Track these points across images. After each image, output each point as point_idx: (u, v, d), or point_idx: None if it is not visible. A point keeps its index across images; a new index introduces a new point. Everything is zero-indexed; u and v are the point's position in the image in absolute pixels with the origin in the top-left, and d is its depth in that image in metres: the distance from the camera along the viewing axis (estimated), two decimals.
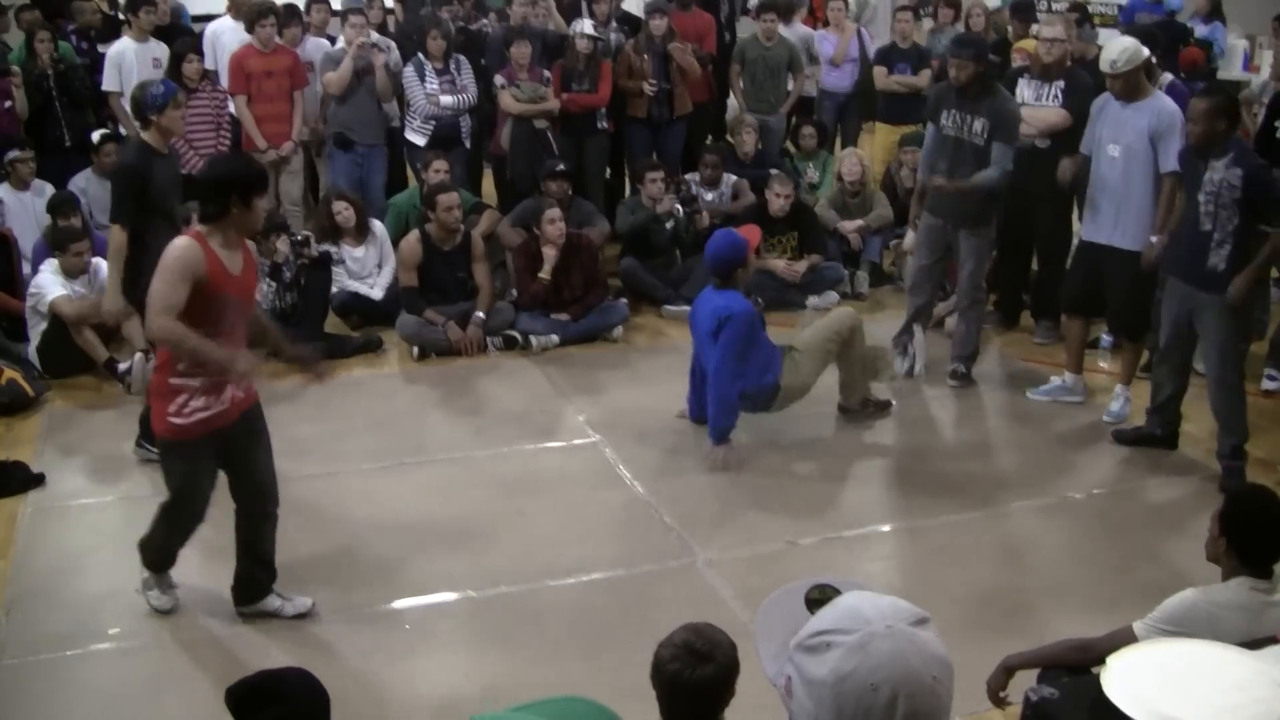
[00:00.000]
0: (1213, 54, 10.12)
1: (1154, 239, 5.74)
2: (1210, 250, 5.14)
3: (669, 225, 7.94)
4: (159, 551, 4.46)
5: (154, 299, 3.90)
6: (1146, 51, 5.76)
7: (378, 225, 7.75)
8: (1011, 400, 6.50)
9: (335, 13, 9.20)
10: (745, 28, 10.18)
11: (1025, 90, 6.71)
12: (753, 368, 5.69)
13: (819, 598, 1.56)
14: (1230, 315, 5.22)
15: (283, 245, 6.96)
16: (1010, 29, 9.24)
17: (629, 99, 8.57)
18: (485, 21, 9.40)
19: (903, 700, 1.39)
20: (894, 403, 6.32)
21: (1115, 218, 5.85)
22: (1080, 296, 6.17)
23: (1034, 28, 8.97)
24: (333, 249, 7.54)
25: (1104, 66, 5.73)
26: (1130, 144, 5.73)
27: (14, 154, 7.51)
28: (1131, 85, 5.71)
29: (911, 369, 6.67)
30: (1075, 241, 7.61)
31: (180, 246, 3.93)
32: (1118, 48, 5.70)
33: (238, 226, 4.03)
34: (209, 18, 9.44)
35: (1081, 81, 6.50)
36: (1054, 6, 11.73)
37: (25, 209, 7.52)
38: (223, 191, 3.96)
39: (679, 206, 7.91)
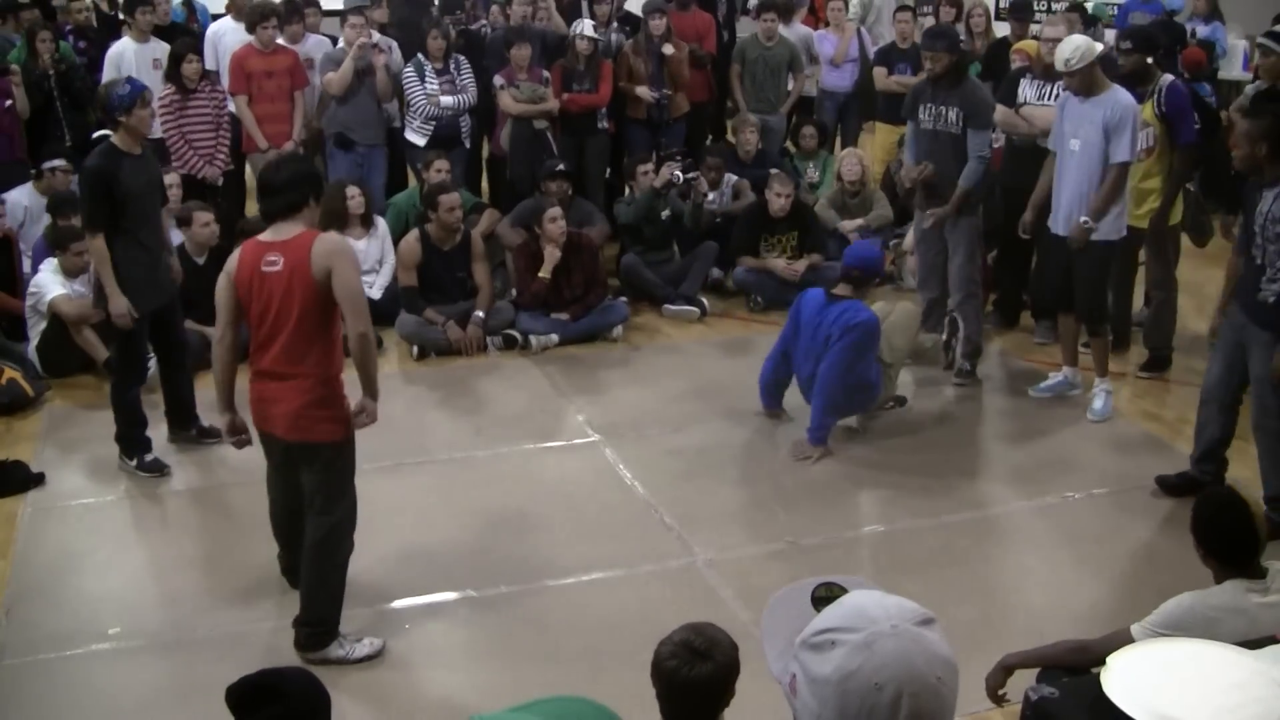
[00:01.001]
0: (1215, 54, 10.12)
1: (1082, 219, 5.78)
2: (1262, 284, 4.83)
3: (666, 213, 7.90)
4: (338, 596, 4.25)
5: (364, 303, 4.02)
6: (1100, 47, 5.82)
7: (381, 222, 7.75)
8: (1012, 400, 6.49)
9: (329, 13, 9.18)
10: (745, 28, 10.19)
11: (1028, 90, 6.76)
12: (860, 379, 5.77)
13: (825, 596, 1.55)
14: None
15: None
16: (1010, 29, 9.23)
17: (628, 99, 8.58)
18: (484, 22, 9.40)
19: (907, 700, 1.39)
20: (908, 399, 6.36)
21: (1075, 210, 5.90)
22: (1063, 291, 6.19)
23: (1032, 28, 8.99)
24: None
25: (1058, 65, 5.81)
26: (1088, 138, 5.79)
27: (59, 163, 7.48)
28: (1087, 81, 5.77)
29: (953, 361, 6.67)
30: None
31: (345, 241, 4.27)
32: (1070, 45, 5.75)
33: (308, 223, 4.08)
34: (214, 17, 9.45)
35: None
36: (1054, 7, 11.73)
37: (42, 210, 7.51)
38: (302, 187, 4.04)
39: (678, 174, 7.89)
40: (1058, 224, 6.02)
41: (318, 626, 4.20)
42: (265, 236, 4.03)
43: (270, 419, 4.10)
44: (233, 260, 4.10)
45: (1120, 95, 5.80)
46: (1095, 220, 5.81)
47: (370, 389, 4.12)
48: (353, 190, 7.59)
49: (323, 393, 4.02)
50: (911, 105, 6.58)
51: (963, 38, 9.55)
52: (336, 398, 4.08)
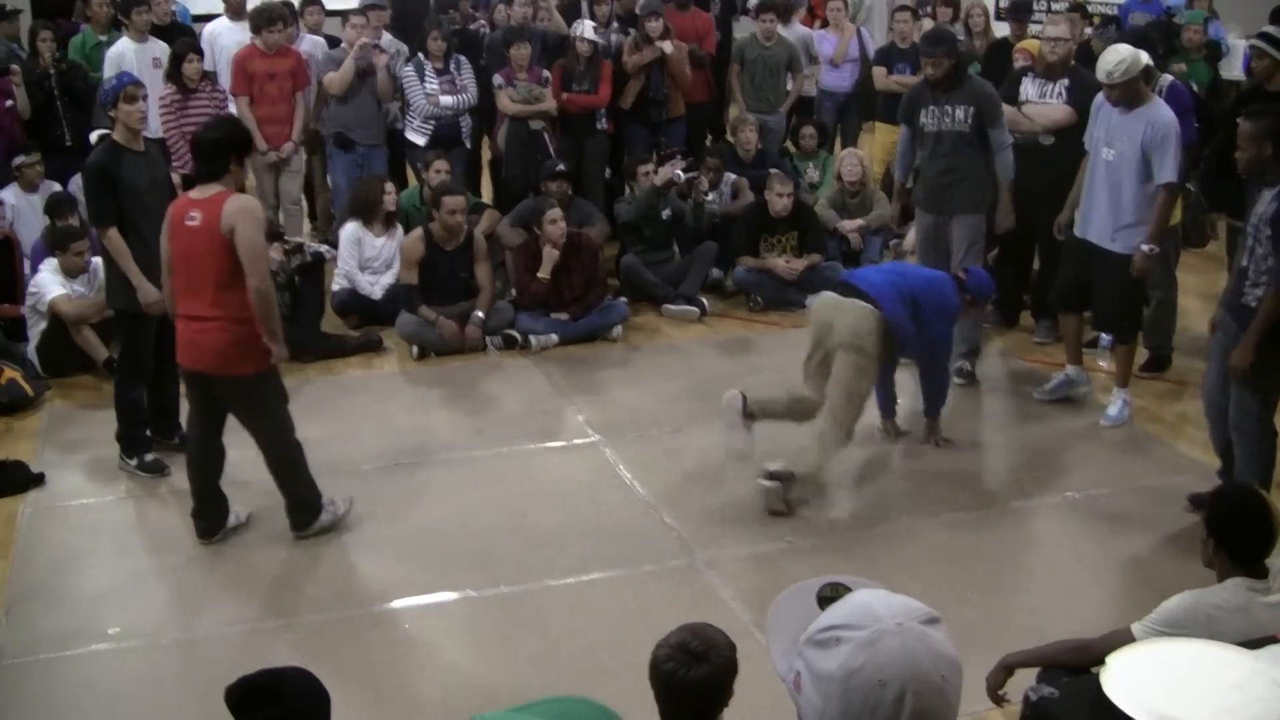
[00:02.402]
0: (1220, 54, 10.11)
1: (1145, 247, 5.72)
2: (1245, 288, 4.77)
3: (666, 213, 7.90)
4: (308, 479, 4.95)
5: (262, 259, 4.57)
6: (1146, 58, 5.71)
7: (400, 227, 7.76)
8: (1012, 399, 6.49)
9: (331, 13, 9.19)
10: (744, 27, 10.19)
11: (1030, 88, 6.74)
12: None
13: (831, 595, 1.56)
14: (1259, 359, 4.70)
15: (274, 253, 6.98)
16: (1009, 29, 9.23)
17: (621, 92, 8.58)
18: (482, 22, 9.40)
19: (910, 698, 1.39)
20: None
21: (1107, 221, 5.85)
22: (1071, 292, 6.17)
23: (1032, 27, 8.99)
24: (326, 250, 7.56)
25: (1100, 76, 5.70)
26: (1124, 150, 5.72)
27: (20, 159, 7.51)
28: (1130, 94, 5.68)
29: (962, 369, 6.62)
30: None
31: (252, 200, 4.73)
32: (1114, 58, 5.64)
33: (233, 184, 4.65)
34: (208, 17, 9.45)
35: (1086, 79, 6.50)
36: (1054, 6, 11.73)
37: (35, 210, 7.51)
38: (222, 155, 4.59)
39: (679, 173, 7.87)
40: (1087, 230, 5.96)
41: (305, 509, 4.92)
42: (193, 194, 4.66)
43: (197, 358, 4.68)
44: (168, 215, 4.73)
45: (1161, 112, 5.68)
46: (1158, 243, 5.74)
47: (269, 334, 4.62)
48: (390, 186, 7.69)
49: (241, 332, 4.59)
50: (909, 109, 6.52)
51: (961, 37, 9.56)
52: (253, 336, 4.60)
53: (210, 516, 4.93)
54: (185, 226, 4.58)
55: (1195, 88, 7.37)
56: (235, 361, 4.63)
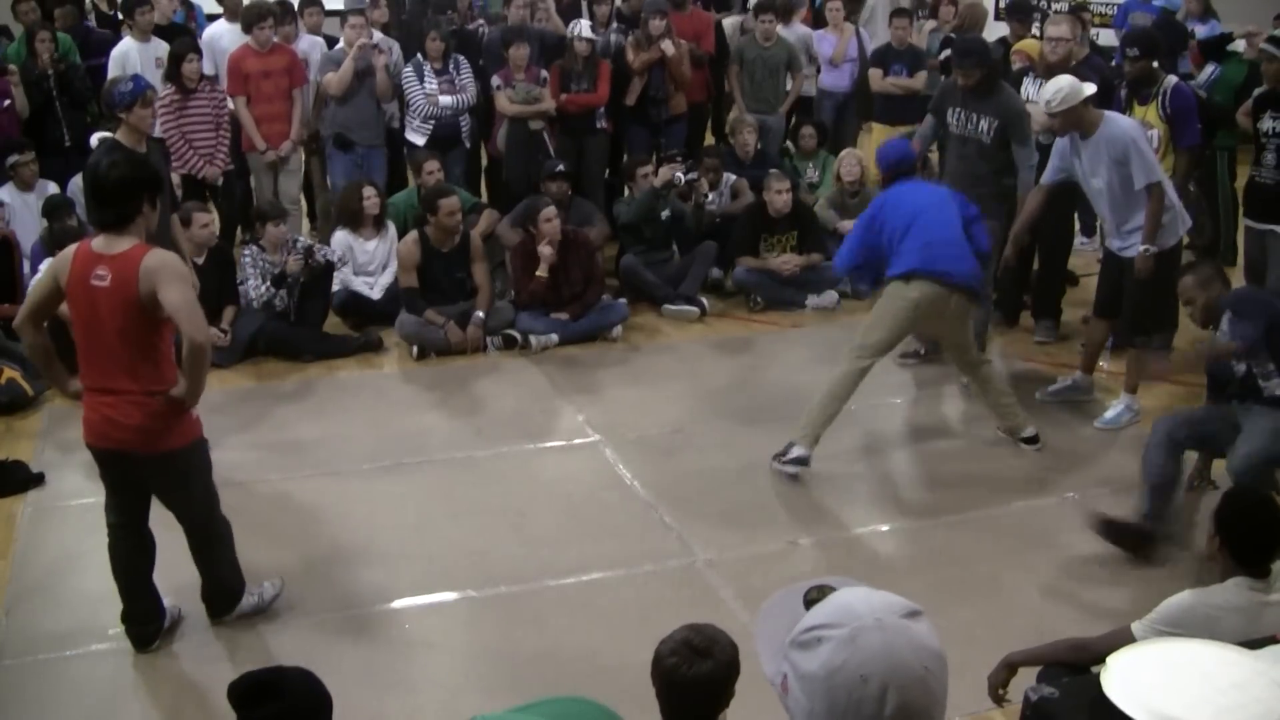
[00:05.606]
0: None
1: (1141, 248, 5.75)
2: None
3: (666, 213, 7.90)
4: (235, 563, 4.40)
5: (198, 312, 3.93)
6: (1088, 89, 5.67)
7: (391, 225, 7.76)
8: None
9: (330, 13, 9.18)
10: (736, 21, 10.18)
11: (1030, 89, 6.75)
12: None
13: (817, 598, 1.57)
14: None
15: (294, 264, 7.04)
16: (1009, 30, 9.21)
17: (624, 91, 8.57)
18: (480, 22, 9.40)
19: (893, 691, 1.40)
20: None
21: (1118, 231, 5.92)
22: (1108, 301, 6.17)
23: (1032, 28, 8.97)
24: (334, 254, 7.56)
25: (1041, 105, 5.77)
26: (1107, 176, 5.73)
27: (14, 158, 7.51)
28: (1073, 120, 5.68)
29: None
30: (1075, 242, 7.67)
31: (169, 256, 3.93)
32: (1052, 88, 5.67)
33: (143, 231, 3.96)
34: (209, 18, 9.45)
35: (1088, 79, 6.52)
36: (1054, 7, 11.73)
37: (30, 210, 7.51)
38: (133, 198, 3.89)
39: (680, 175, 7.87)
40: (1110, 243, 6.06)
41: (224, 597, 4.39)
42: (97, 245, 3.89)
43: (114, 436, 4.01)
44: (64, 263, 3.95)
45: (1113, 128, 5.68)
46: (1153, 242, 5.75)
47: (190, 396, 3.97)
48: (369, 191, 7.64)
49: (159, 405, 3.94)
50: (939, 103, 6.53)
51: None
52: (173, 406, 3.98)
53: (144, 620, 4.29)
54: (90, 285, 3.84)
55: (1202, 93, 7.36)
56: (159, 436, 3.98)
